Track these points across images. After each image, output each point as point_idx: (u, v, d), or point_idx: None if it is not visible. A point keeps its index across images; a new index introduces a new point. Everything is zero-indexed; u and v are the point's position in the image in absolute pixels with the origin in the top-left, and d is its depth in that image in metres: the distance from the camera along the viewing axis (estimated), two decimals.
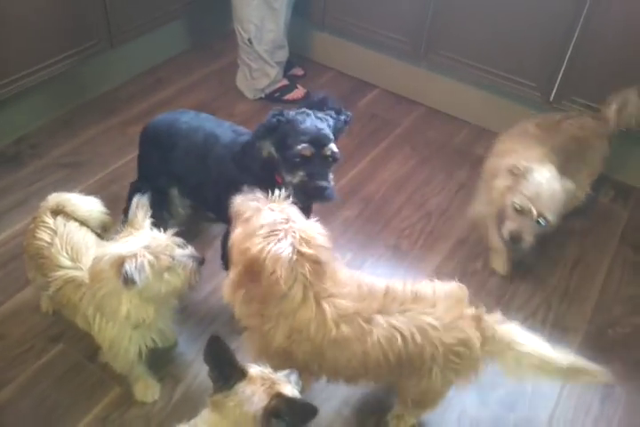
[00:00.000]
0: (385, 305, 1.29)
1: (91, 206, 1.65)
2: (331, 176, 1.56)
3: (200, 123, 1.79)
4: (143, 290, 1.33)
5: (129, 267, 1.26)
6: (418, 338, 1.26)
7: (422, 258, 2.14)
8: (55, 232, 1.53)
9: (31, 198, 2.20)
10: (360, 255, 2.13)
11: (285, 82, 2.91)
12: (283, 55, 2.82)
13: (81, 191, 2.25)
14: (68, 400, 1.61)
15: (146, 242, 1.34)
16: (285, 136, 1.53)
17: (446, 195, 2.42)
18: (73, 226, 1.56)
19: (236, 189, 1.62)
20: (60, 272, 1.46)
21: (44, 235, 1.53)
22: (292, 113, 1.58)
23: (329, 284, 1.27)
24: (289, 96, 2.89)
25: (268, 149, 1.58)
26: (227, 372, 1.12)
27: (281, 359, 1.32)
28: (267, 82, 2.85)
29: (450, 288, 1.35)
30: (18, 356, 1.72)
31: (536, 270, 2.12)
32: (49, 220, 1.56)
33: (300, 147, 1.50)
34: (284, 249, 1.17)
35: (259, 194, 1.31)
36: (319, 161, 1.53)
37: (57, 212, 1.58)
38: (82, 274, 1.44)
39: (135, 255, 1.29)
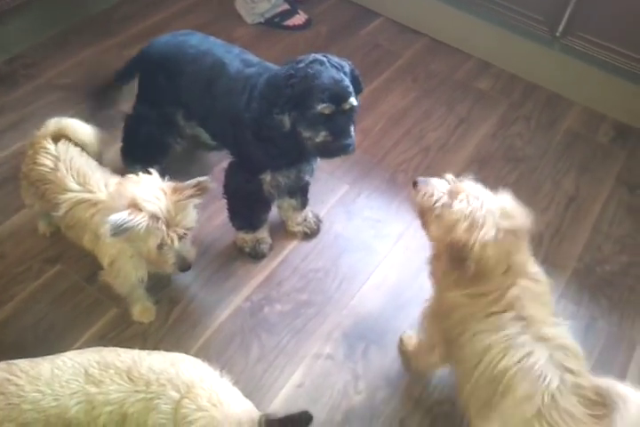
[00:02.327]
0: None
1: (90, 132, 1.55)
2: (352, 128, 1.42)
3: (209, 46, 1.61)
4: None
5: (115, 219, 1.18)
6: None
7: None
8: (57, 158, 1.46)
9: (26, 120, 2.07)
10: (356, 188, 2.05)
11: (286, 6, 2.69)
12: None
13: (75, 114, 2.16)
14: (67, 319, 1.58)
15: (159, 208, 1.23)
16: (302, 95, 1.35)
17: (445, 129, 2.30)
18: (74, 151, 1.49)
19: (242, 126, 1.51)
20: (69, 195, 1.41)
21: (45, 161, 1.46)
22: (302, 65, 1.37)
23: (525, 260, 1.21)
24: (289, 22, 2.68)
25: (289, 121, 1.41)
26: None
27: (439, 319, 1.29)
28: (267, 6, 2.63)
29: None
30: (16, 276, 1.67)
31: (530, 206, 2.05)
32: (50, 146, 1.48)
33: (319, 107, 1.34)
34: (488, 233, 1.13)
35: (433, 182, 1.25)
36: (340, 117, 1.37)
37: (57, 137, 1.50)
38: (92, 196, 1.40)
39: (138, 212, 1.21)
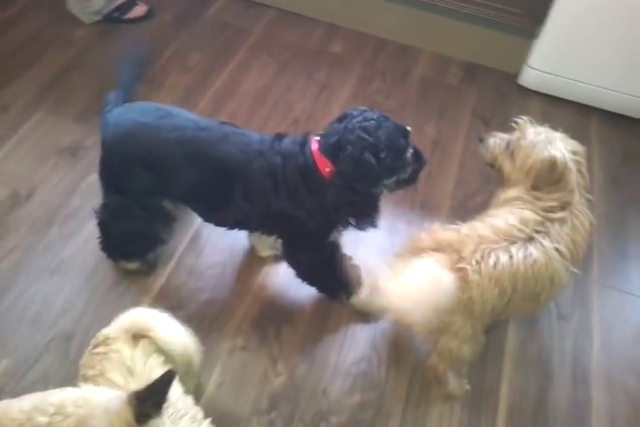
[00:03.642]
0: None
1: (185, 340, 1.06)
2: None
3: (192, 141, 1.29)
4: None
5: None
6: None
7: None
8: (131, 371, 0.98)
9: None
10: None
11: None
12: None
13: None
14: None
15: None
16: (398, 157, 1.26)
17: (310, 98, 2.20)
18: (155, 363, 1.01)
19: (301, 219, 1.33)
20: None
21: (114, 374, 0.97)
22: (363, 134, 1.21)
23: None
24: (130, 15, 2.42)
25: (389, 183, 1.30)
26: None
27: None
28: (102, 2, 2.35)
29: None
30: None
31: None
32: (126, 351, 1.00)
33: (408, 155, 1.28)
34: (562, 149, 1.28)
35: (495, 134, 1.40)
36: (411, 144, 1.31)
37: (137, 337, 1.03)
38: None
39: None
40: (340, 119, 1.28)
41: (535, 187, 1.29)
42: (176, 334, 1.06)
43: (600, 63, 2.14)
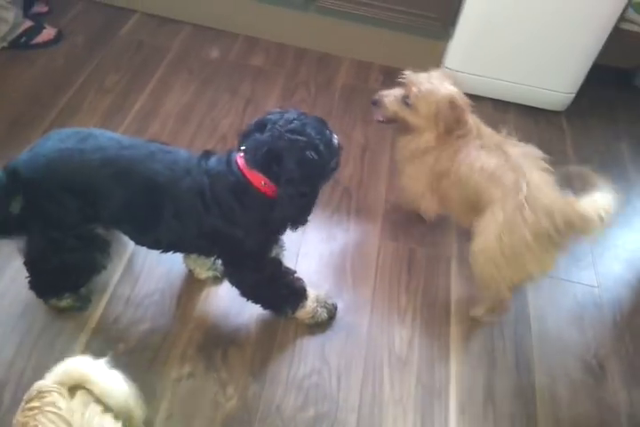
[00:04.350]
0: None
1: (123, 389, 1.02)
2: None
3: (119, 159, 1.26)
4: None
5: None
6: None
7: None
8: (69, 425, 0.93)
9: None
10: None
11: (29, 23, 2.32)
12: None
13: None
14: None
15: None
16: (329, 151, 1.27)
17: (235, 113, 2.18)
18: (94, 413, 0.97)
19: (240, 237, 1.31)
20: None
21: None
22: (294, 136, 1.20)
23: None
24: (38, 39, 2.32)
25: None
26: None
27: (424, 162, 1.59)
28: (6, 28, 2.24)
29: None
30: None
31: None
32: (62, 403, 0.95)
33: (336, 144, 1.31)
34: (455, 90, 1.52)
35: (386, 93, 1.58)
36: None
37: (73, 388, 0.99)
38: None
39: None
40: (259, 128, 1.25)
41: (447, 132, 1.49)
42: (116, 386, 1.01)
43: (510, 60, 2.26)
